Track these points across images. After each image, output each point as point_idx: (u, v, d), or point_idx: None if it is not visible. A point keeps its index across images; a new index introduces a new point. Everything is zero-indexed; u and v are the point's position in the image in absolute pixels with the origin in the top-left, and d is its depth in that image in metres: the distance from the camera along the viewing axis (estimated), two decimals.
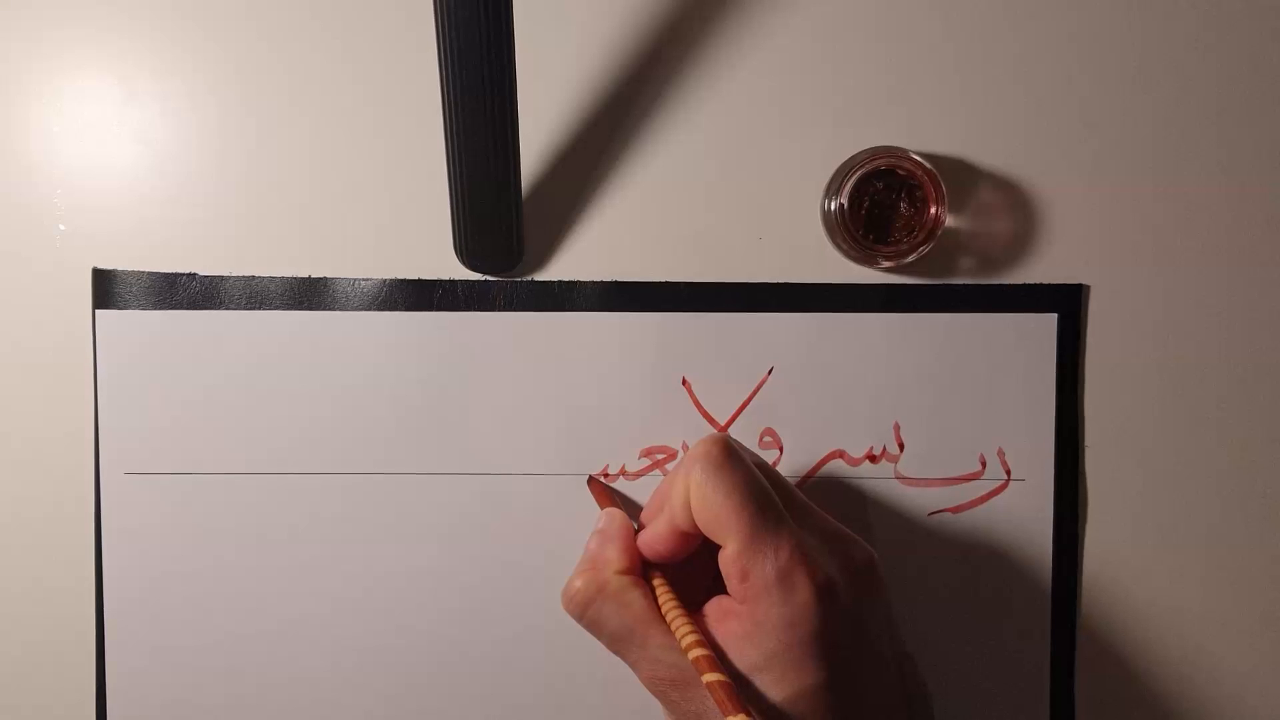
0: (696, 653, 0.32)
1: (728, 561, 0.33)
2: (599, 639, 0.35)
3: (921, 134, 0.42)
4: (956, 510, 0.42)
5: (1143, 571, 0.43)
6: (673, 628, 0.33)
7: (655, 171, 0.43)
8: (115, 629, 0.43)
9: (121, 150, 0.43)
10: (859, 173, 0.40)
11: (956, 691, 0.43)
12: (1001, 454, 0.42)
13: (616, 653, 0.35)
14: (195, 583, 0.43)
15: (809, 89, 0.43)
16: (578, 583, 0.36)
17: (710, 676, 0.31)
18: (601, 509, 0.39)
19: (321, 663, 0.43)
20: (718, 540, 0.33)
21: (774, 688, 0.31)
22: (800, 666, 0.31)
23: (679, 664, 0.33)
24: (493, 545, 0.42)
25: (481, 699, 0.43)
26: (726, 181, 0.43)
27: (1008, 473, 0.42)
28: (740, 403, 0.42)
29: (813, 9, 0.43)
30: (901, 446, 0.42)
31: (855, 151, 0.41)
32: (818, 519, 0.35)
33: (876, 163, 0.40)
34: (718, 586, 0.35)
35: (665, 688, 0.34)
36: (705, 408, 0.42)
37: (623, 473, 0.42)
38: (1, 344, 0.43)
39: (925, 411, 0.42)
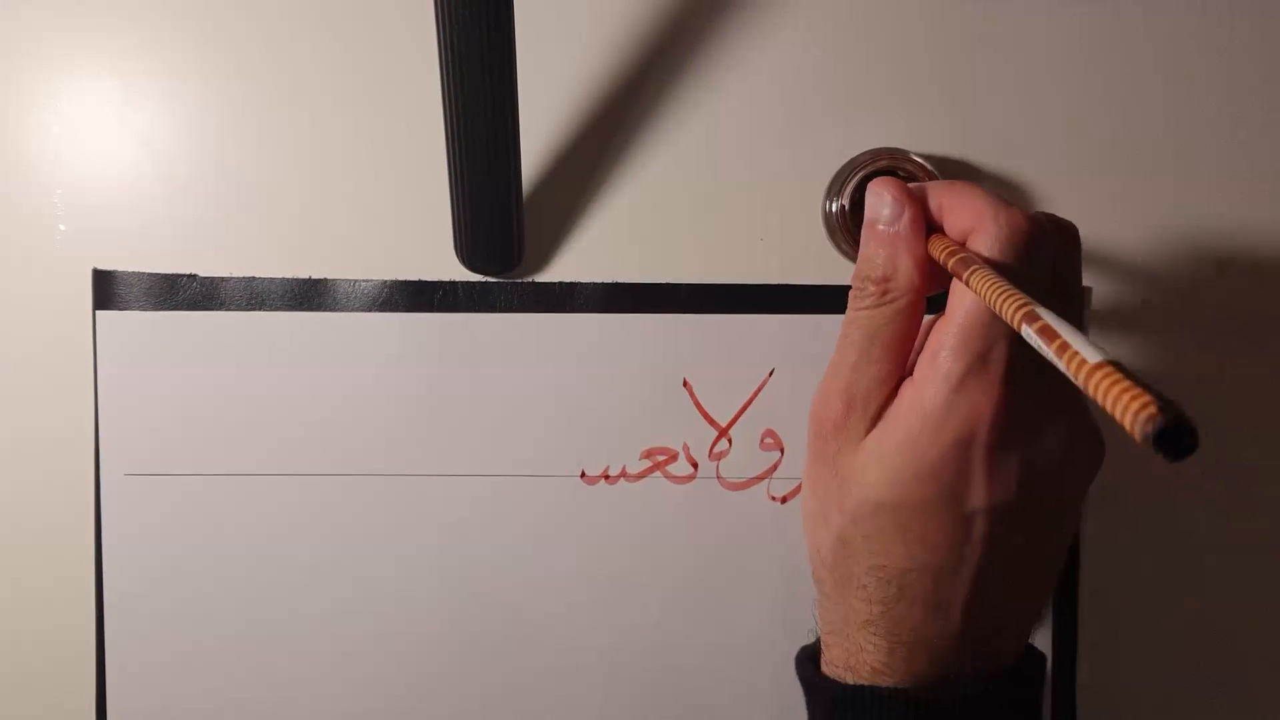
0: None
1: None
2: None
3: (922, 135, 0.42)
4: None
5: (1143, 571, 0.43)
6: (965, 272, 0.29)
7: (656, 172, 0.43)
8: (115, 630, 0.43)
9: (121, 150, 0.43)
10: (860, 174, 0.40)
11: None
12: None
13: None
14: (195, 584, 0.43)
15: (810, 90, 0.43)
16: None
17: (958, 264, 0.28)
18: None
19: (322, 663, 0.43)
20: None
21: None
22: None
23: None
24: (493, 547, 0.42)
25: (482, 700, 0.43)
26: (727, 182, 0.42)
27: None
28: (741, 404, 0.42)
29: (814, 9, 0.42)
30: None
31: (857, 153, 0.41)
32: None
33: (878, 164, 0.40)
34: None
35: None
36: (706, 409, 0.42)
37: (623, 474, 0.42)
38: (1, 344, 0.43)
39: None
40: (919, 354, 0.32)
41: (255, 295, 0.42)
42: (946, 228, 0.32)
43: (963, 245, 0.30)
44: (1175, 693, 0.43)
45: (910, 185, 0.33)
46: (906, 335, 0.32)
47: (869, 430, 0.32)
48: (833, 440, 0.33)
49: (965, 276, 0.28)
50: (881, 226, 0.32)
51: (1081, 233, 0.42)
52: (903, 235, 0.32)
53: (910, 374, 0.32)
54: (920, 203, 0.32)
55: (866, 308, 0.32)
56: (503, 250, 0.41)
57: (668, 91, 0.43)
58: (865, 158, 0.40)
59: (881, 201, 0.32)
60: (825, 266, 0.42)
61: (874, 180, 0.33)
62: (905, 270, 0.32)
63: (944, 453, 0.30)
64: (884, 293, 0.32)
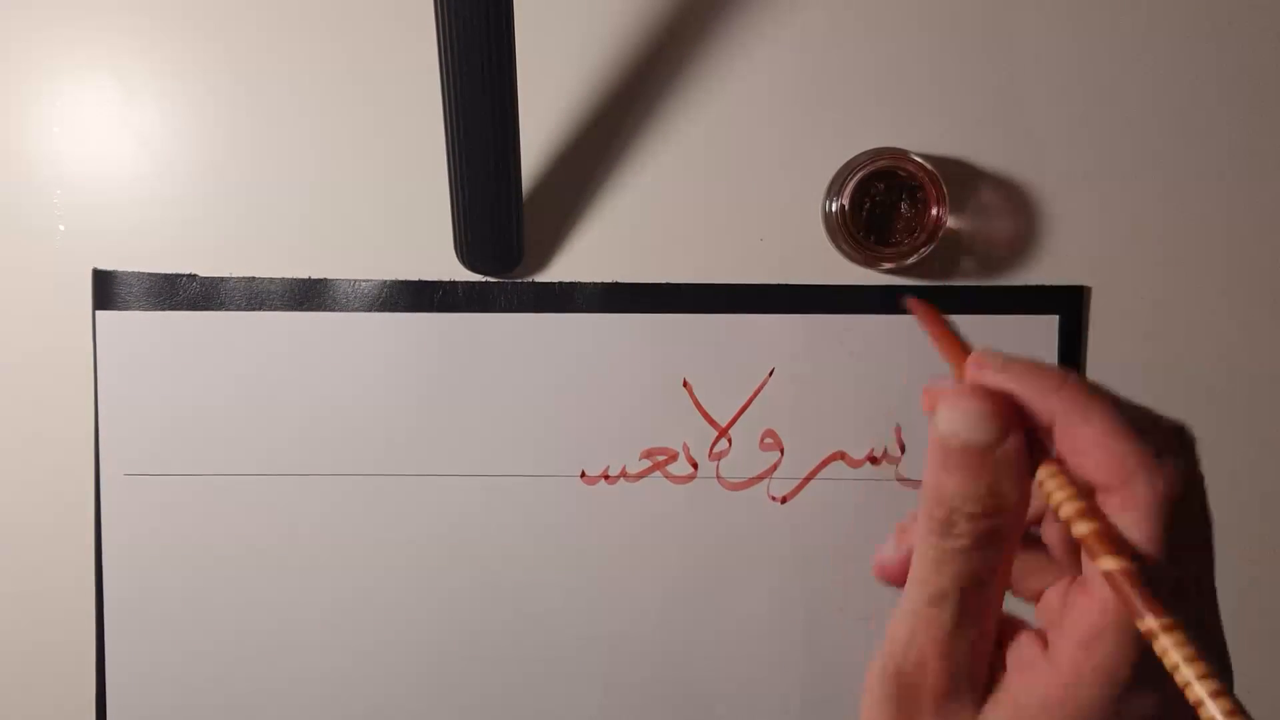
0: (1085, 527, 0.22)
1: None
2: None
3: (922, 135, 0.42)
4: None
5: None
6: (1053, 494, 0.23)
7: (656, 172, 0.43)
8: (115, 629, 0.43)
9: (121, 150, 0.43)
10: (860, 174, 0.40)
11: None
12: None
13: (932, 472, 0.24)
14: (195, 583, 0.43)
15: (810, 90, 0.42)
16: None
17: (1110, 562, 0.21)
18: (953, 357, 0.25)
19: (320, 661, 0.43)
20: None
21: None
22: None
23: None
24: (493, 547, 0.42)
25: (482, 698, 0.43)
26: (727, 183, 0.42)
27: None
28: (741, 404, 0.42)
29: (814, 11, 0.42)
30: (903, 449, 0.42)
31: (856, 153, 0.41)
32: None
33: (878, 164, 0.40)
34: None
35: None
36: (706, 409, 0.42)
37: (623, 473, 0.42)
38: (1, 344, 0.43)
39: None
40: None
41: (255, 295, 0.42)
42: (1061, 454, 0.24)
43: (1092, 501, 0.23)
44: None
45: (997, 382, 0.24)
46: (1006, 580, 0.26)
47: (980, 704, 0.26)
48: (932, 713, 0.27)
49: (1139, 617, 0.21)
50: (966, 446, 0.24)
51: (1081, 232, 0.43)
52: (1004, 464, 0.24)
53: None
54: (1023, 415, 0.24)
55: (961, 549, 0.25)
56: (503, 250, 0.41)
57: (668, 92, 0.43)
58: (865, 158, 0.40)
59: (974, 417, 0.24)
60: (825, 266, 0.42)
61: (955, 391, 0.23)
62: (1011, 506, 0.24)
63: None
64: (987, 533, 0.24)
